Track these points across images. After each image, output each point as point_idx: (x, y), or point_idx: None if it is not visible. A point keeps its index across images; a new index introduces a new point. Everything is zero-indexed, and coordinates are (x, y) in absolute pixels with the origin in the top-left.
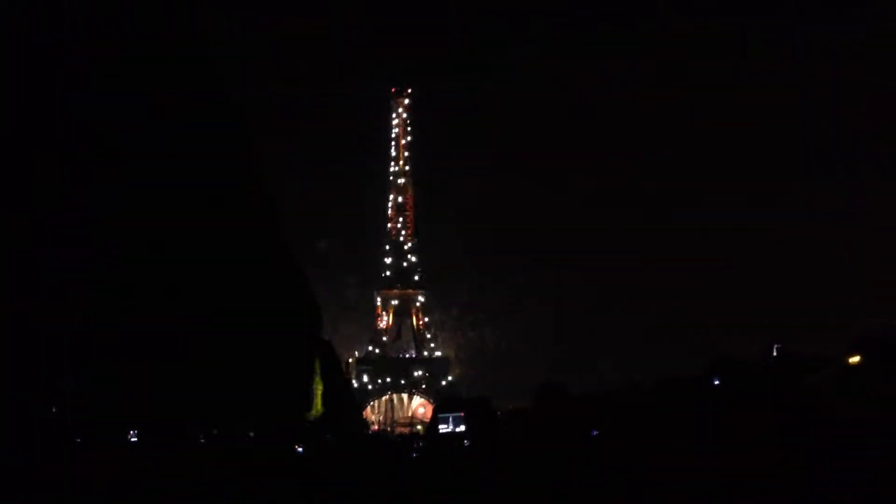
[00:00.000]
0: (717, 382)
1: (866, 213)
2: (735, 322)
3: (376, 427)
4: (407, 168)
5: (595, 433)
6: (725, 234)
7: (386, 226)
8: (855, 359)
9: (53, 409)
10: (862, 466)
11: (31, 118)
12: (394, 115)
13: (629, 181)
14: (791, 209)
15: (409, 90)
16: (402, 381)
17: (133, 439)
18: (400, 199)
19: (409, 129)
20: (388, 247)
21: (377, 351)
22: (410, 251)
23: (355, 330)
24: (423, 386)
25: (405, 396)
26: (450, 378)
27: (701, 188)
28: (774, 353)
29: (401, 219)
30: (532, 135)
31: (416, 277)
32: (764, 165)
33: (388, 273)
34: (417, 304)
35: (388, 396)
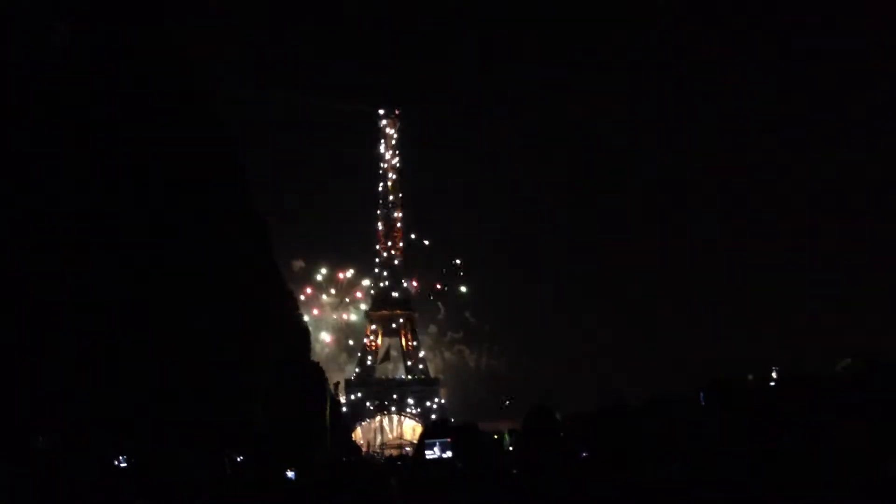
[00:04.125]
0: (703, 403)
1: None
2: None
3: (365, 449)
4: (396, 181)
5: (585, 454)
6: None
7: (375, 247)
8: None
9: (40, 439)
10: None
11: (21, 135)
12: (383, 136)
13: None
14: None
15: (398, 111)
16: (391, 403)
17: (122, 465)
18: (389, 220)
19: (397, 150)
20: (377, 268)
21: (366, 373)
22: (399, 272)
23: (344, 351)
24: (412, 408)
25: (395, 418)
26: (439, 400)
27: None
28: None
29: (389, 241)
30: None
31: (406, 298)
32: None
33: (376, 294)
34: (406, 325)
35: (377, 418)
